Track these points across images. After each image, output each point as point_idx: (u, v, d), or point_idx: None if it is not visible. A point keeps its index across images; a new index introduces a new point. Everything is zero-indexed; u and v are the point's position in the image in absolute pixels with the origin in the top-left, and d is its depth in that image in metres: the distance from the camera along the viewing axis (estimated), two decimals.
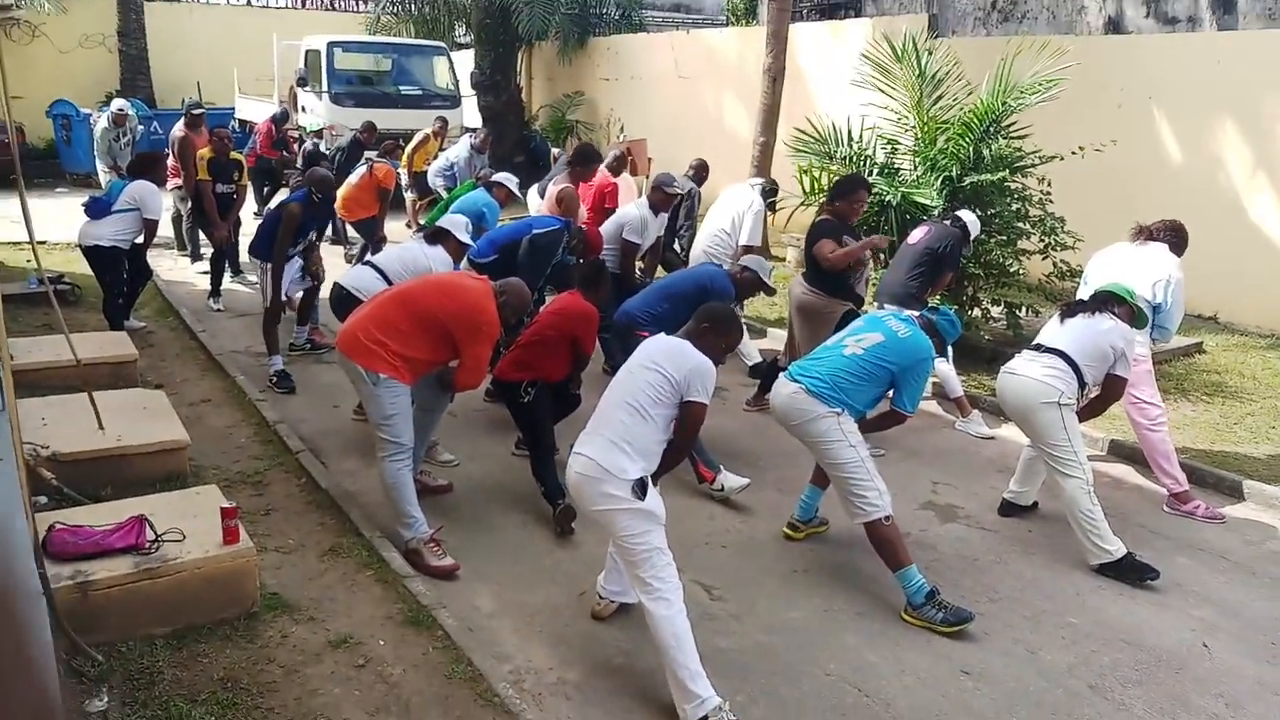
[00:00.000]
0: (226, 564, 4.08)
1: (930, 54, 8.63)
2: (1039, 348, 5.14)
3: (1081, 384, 5.02)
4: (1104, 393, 5.24)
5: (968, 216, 6.96)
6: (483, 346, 4.85)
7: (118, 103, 12.47)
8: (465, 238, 6.32)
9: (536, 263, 6.84)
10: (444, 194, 11.42)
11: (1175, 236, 5.88)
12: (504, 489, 5.68)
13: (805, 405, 4.61)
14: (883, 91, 8.70)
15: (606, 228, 7.65)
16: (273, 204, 8.84)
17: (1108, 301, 5.13)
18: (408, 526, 4.79)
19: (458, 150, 12.98)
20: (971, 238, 6.93)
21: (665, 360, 3.91)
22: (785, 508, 5.40)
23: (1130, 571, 4.86)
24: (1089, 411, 5.36)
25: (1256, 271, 9.04)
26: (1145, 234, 5.91)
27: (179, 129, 10.68)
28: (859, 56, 8.94)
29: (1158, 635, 4.43)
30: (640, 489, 3.75)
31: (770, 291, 6.55)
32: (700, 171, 9.51)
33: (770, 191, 8.56)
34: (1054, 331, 5.18)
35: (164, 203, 8.52)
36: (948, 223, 6.90)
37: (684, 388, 3.86)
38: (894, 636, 4.35)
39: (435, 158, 13.63)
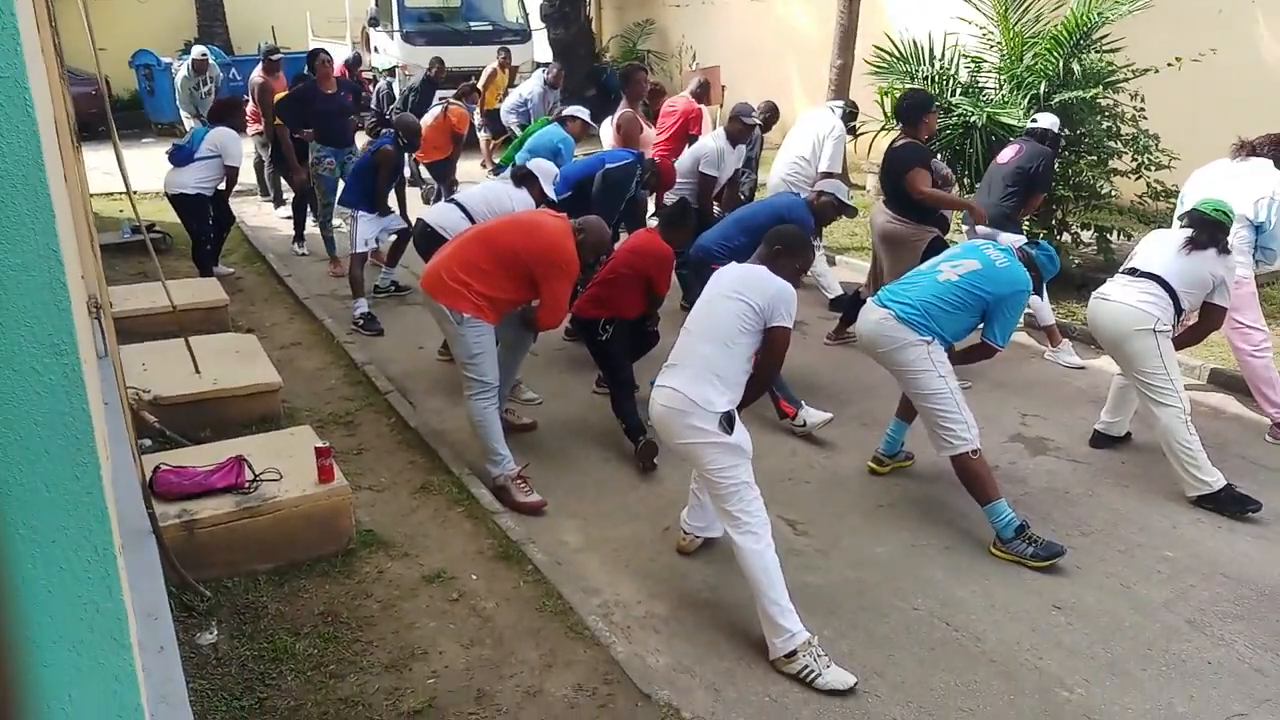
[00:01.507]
0: (323, 502, 4.21)
1: None
2: (1134, 272, 4.94)
3: (1179, 310, 4.83)
4: (1201, 321, 5.03)
5: (1046, 120, 6.71)
6: (562, 285, 4.86)
7: (198, 49, 12.62)
8: (550, 189, 6.29)
9: (611, 197, 6.81)
10: (518, 131, 11.39)
11: (1277, 150, 5.56)
12: (587, 426, 5.73)
13: (893, 332, 4.50)
14: (972, 4, 8.35)
15: (682, 161, 7.55)
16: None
17: (1208, 226, 4.88)
18: (495, 463, 4.87)
19: (530, 86, 12.91)
20: (1059, 139, 6.69)
21: (746, 288, 3.87)
22: (869, 442, 5.36)
23: (1230, 503, 4.71)
24: (1186, 339, 5.16)
25: None
26: (1247, 149, 5.61)
27: (257, 74, 10.77)
28: None
29: (1259, 569, 4.30)
30: (728, 422, 3.73)
31: (852, 213, 6.38)
32: (770, 116, 8.68)
33: (851, 115, 8.30)
34: (1150, 254, 4.97)
35: (245, 149, 8.65)
36: (1036, 140, 6.67)
37: (768, 313, 3.82)
38: (982, 571, 4.31)
39: (505, 93, 13.59)
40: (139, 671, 1.86)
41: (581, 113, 8.29)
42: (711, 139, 7.56)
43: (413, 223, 7.95)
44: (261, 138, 10.88)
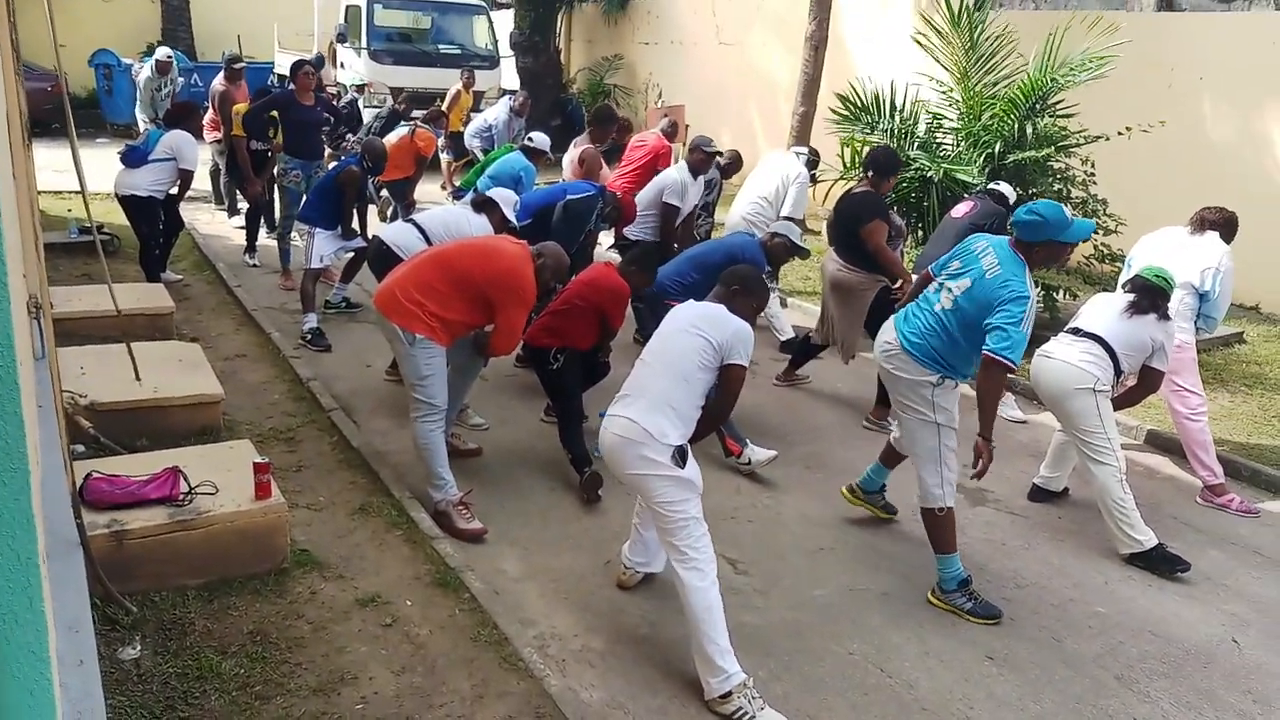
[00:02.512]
0: (258, 519, 4.12)
1: (983, 25, 8.44)
2: (1077, 332, 5.07)
3: (1118, 372, 4.96)
4: (1140, 383, 5.21)
5: (1004, 188, 6.87)
6: (518, 311, 4.85)
7: (162, 51, 12.49)
8: (511, 215, 6.27)
9: (571, 228, 6.82)
10: (480, 155, 11.39)
11: (1227, 226, 5.78)
12: (533, 454, 5.70)
13: (899, 363, 4.43)
14: (936, 59, 8.55)
15: (645, 194, 7.59)
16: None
17: (1149, 292, 5.03)
18: (438, 488, 4.81)
19: (496, 112, 12.94)
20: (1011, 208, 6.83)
21: (705, 324, 3.90)
22: (813, 484, 5.40)
23: (1161, 562, 4.81)
24: (1124, 401, 5.31)
25: None
26: (1202, 223, 5.79)
27: (219, 82, 10.67)
28: (914, 22, 8.81)
29: (1187, 628, 4.39)
30: (680, 456, 3.75)
31: (804, 254, 6.46)
32: (732, 164, 8.52)
33: (813, 163, 8.43)
34: (1093, 315, 5.11)
35: (201, 155, 8.55)
36: (989, 197, 6.82)
37: (726, 351, 3.86)
38: (919, 618, 4.34)
39: (469, 116, 13.60)
40: (55, 686, 1.81)
41: (543, 143, 8.32)
42: (675, 170, 7.64)
43: (359, 243, 7.94)
44: (219, 145, 10.77)
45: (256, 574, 4.11)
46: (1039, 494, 5.56)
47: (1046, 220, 4.22)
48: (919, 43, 8.68)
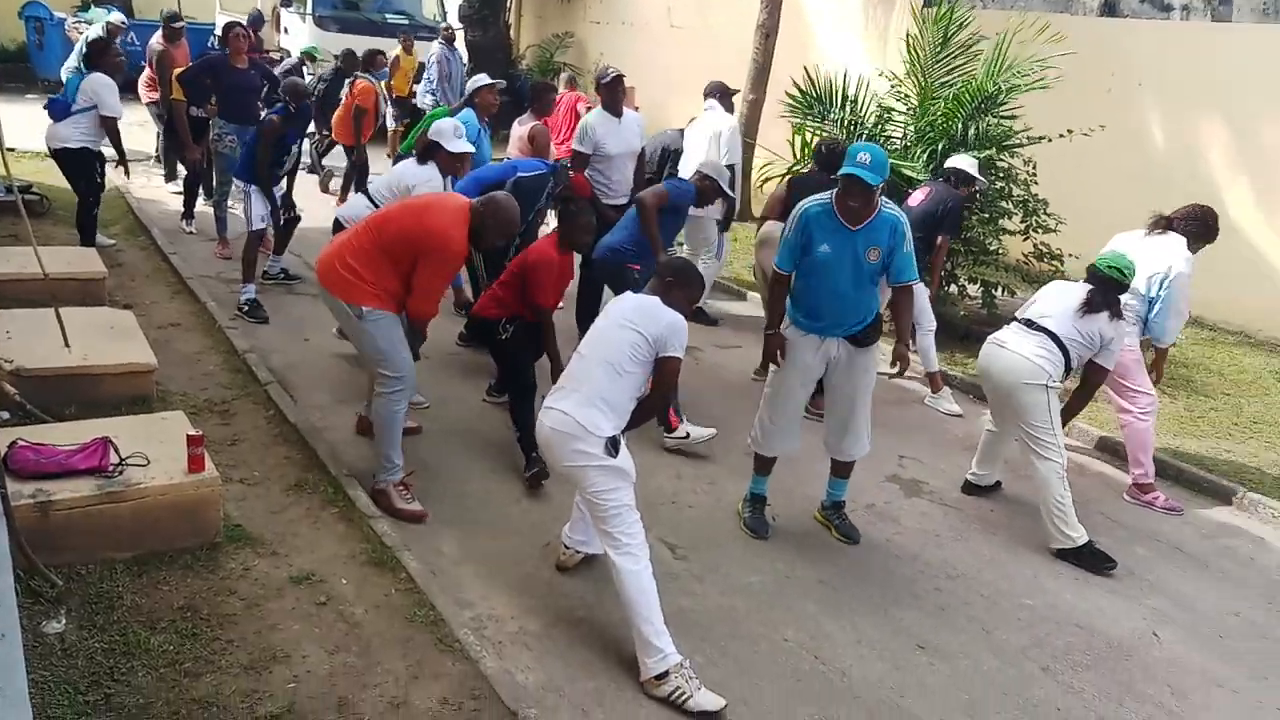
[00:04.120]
0: (190, 492, 4.04)
1: (961, 24, 8.44)
2: (1030, 323, 5.06)
3: (1068, 367, 4.98)
4: (1084, 384, 5.22)
5: (960, 160, 6.89)
6: (437, 272, 4.55)
7: (116, 15, 12.02)
8: (457, 144, 5.92)
9: (521, 205, 6.73)
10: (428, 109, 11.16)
11: (1198, 225, 5.64)
12: (474, 434, 5.66)
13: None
14: (911, 54, 8.57)
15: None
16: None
17: (1102, 285, 4.98)
18: (385, 470, 4.70)
19: (429, 53, 12.73)
20: (976, 181, 6.87)
21: (639, 318, 3.93)
22: (749, 471, 5.39)
23: (1089, 559, 4.93)
24: (1074, 406, 5.35)
25: (1229, 268, 9.06)
26: (1163, 224, 5.67)
27: (156, 40, 10.34)
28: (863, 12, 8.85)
29: (1110, 622, 4.51)
30: (613, 446, 3.79)
31: (731, 201, 6.45)
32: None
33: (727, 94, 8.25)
34: (1047, 307, 5.08)
35: (139, 117, 8.25)
36: (949, 181, 6.87)
37: (660, 344, 3.88)
38: (853, 607, 4.40)
39: (415, 78, 13.38)
40: None
41: (489, 80, 7.87)
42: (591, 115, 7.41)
43: (296, 210, 7.75)
44: (157, 108, 10.43)
45: (188, 549, 4.03)
46: (971, 489, 5.65)
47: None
48: (907, 38, 8.70)
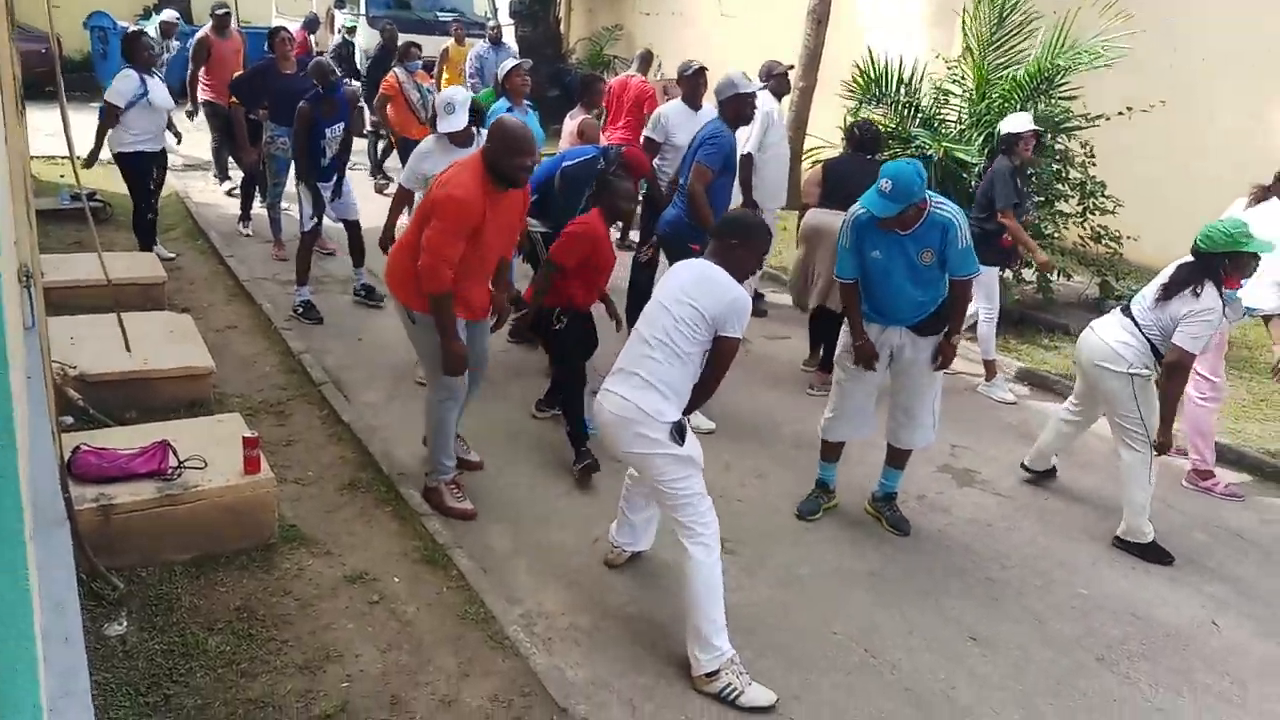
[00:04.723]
0: (246, 494, 4.13)
1: (1015, 5, 8.28)
2: (1126, 309, 4.86)
3: (1157, 354, 4.66)
4: (1164, 372, 4.63)
5: (1007, 123, 6.71)
6: (442, 224, 4.14)
7: (169, 12, 12.25)
8: (444, 123, 5.77)
9: (570, 195, 6.72)
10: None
11: None
12: (523, 431, 5.70)
13: None
14: (965, 33, 8.43)
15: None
16: None
17: (1186, 265, 4.63)
18: (436, 469, 4.73)
19: (475, 51, 12.71)
20: (1020, 138, 6.61)
21: (700, 293, 3.73)
22: (801, 462, 5.40)
23: (1149, 554, 4.82)
24: (1163, 403, 4.78)
25: None
26: (1260, 193, 5.49)
27: (203, 32, 10.40)
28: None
29: (1168, 610, 4.42)
30: (679, 433, 3.68)
31: (751, 98, 6.10)
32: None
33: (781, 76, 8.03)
34: (1146, 289, 4.82)
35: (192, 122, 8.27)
36: (998, 154, 6.74)
37: (720, 323, 3.71)
38: (903, 599, 4.37)
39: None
40: (40, 663, 1.81)
41: (515, 62, 7.82)
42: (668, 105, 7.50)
43: (354, 211, 7.53)
44: (211, 107, 10.52)
45: (244, 549, 4.12)
46: (1031, 474, 5.54)
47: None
48: (963, 18, 8.54)
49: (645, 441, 3.68)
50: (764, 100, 7.54)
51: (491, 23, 13.13)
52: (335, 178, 7.39)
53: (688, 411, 3.85)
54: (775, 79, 7.90)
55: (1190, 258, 4.65)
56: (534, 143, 4.43)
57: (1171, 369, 4.57)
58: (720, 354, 3.79)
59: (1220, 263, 4.52)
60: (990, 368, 6.92)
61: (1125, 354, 4.72)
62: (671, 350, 3.70)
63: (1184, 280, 4.58)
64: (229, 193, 10.67)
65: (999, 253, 6.68)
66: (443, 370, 4.41)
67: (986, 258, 6.42)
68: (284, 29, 8.98)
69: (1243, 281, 4.70)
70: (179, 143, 8.81)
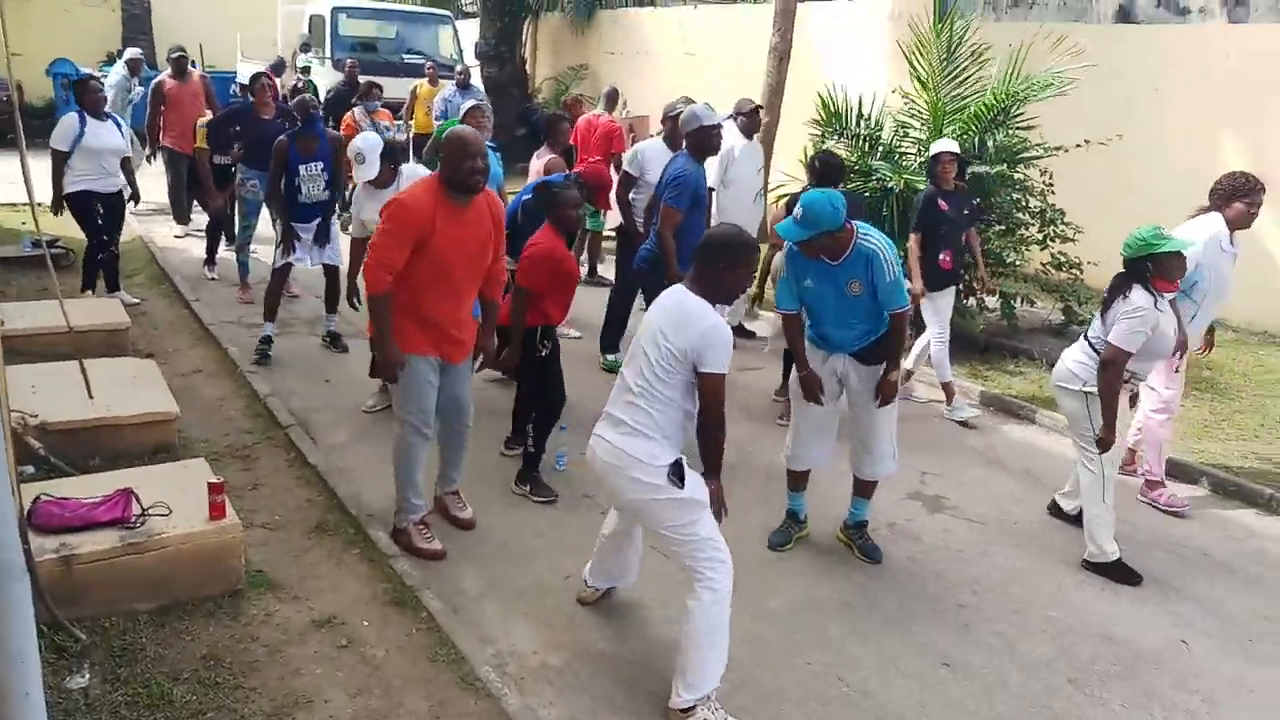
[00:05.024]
0: (212, 540, 4.08)
1: (962, 36, 8.45)
2: (1086, 334, 4.96)
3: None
4: (1099, 366, 4.71)
5: (936, 146, 6.78)
6: (384, 226, 4.26)
7: (133, 50, 12.27)
8: (358, 173, 6.32)
9: (532, 226, 6.75)
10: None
11: (1218, 193, 5.49)
12: (494, 469, 5.68)
13: None
14: (913, 66, 8.58)
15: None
16: None
17: (1127, 271, 4.72)
18: (402, 510, 4.70)
19: (443, 94, 12.85)
20: (938, 160, 6.64)
21: (672, 330, 3.56)
22: (773, 494, 5.39)
23: (1117, 573, 4.86)
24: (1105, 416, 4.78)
25: (1252, 269, 8.95)
26: (1200, 212, 5.57)
27: (161, 76, 10.50)
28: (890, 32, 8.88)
29: (1137, 631, 4.45)
30: (677, 475, 3.53)
31: (717, 131, 6.34)
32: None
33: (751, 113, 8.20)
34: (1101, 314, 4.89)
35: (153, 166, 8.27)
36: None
37: (694, 357, 3.52)
38: (876, 627, 4.37)
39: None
40: None
41: (481, 100, 8.02)
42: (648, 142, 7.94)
43: (326, 253, 7.44)
44: (168, 153, 10.53)
45: (210, 596, 4.07)
46: (1058, 512, 5.49)
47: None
48: (904, 50, 8.71)
49: (641, 486, 3.57)
50: (728, 135, 7.63)
51: (460, 66, 13.24)
52: (319, 222, 7.30)
53: (707, 469, 3.71)
54: (745, 116, 8.02)
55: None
56: (481, 143, 4.41)
57: (1104, 364, 4.69)
58: (704, 394, 3.60)
59: (1144, 267, 4.67)
60: (949, 390, 6.96)
61: (1079, 372, 4.83)
62: (652, 395, 3.59)
63: (1115, 288, 4.75)
64: (178, 236, 10.74)
65: (942, 275, 6.73)
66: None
67: (930, 282, 6.55)
68: (265, 74, 9.01)
69: (1179, 283, 4.86)
70: (136, 204, 8.72)
